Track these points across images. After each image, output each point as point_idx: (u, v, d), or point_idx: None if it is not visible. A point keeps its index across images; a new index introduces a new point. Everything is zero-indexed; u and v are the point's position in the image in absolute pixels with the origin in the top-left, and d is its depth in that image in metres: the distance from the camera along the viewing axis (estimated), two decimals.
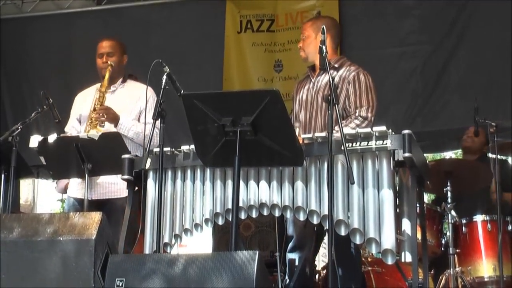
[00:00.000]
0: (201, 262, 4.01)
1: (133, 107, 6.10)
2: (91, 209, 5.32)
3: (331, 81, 4.48)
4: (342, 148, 4.28)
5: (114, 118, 5.92)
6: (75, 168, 5.51)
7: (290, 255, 5.67)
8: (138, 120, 6.08)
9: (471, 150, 7.25)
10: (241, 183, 4.56)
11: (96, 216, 4.46)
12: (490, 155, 6.59)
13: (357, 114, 5.40)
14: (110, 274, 4.13)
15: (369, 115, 5.45)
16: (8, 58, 9.18)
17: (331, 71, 5.54)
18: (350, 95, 5.51)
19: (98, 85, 6.23)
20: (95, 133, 5.61)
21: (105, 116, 5.87)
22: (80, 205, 5.87)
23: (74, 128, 6.11)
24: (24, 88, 9.18)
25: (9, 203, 5.74)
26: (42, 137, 5.67)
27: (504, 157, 7.19)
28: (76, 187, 6.06)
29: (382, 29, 8.39)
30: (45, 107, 5.82)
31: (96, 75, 6.29)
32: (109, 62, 6.08)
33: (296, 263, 5.59)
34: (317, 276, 6.85)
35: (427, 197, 8.03)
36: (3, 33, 9.09)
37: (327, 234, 4.90)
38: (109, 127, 5.92)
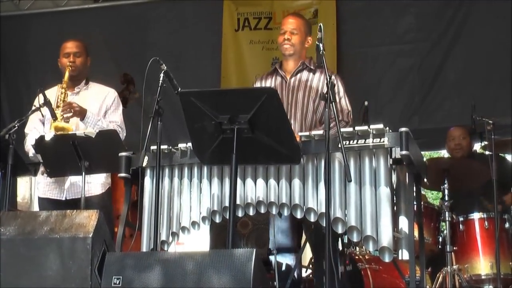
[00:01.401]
0: (199, 259, 4.01)
1: (99, 107, 6.13)
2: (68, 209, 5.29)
3: (328, 80, 4.49)
4: (339, 145, 4.29)
5: (80, 112, 5.92)
6: (72, 165, 5.50)
7: (281, 258, 5.71)
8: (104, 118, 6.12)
9: (463, 156, 7.22)
10: (238, 181, 4.57)
11: (93, 214, 4.46)
12: (487, 152, 6.58)
13: (340, 119, 5.38)
14: (107, 271, 4.13)
15: (350, 119, 5.52)
16: (5, 55, 9.16)
17: (308, 72, 5.61)
18: None
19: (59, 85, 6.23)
20: (92, 131, 5.61)
21: (72, 111, 5.86)
22: (54, 206, 5.82)
23: (36, 129, 6.08)
24: (21, 85, 9.17)
25: (6, 201, 5.72)
26: (39, 135, 5.67)
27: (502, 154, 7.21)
28: (47, 188, 6.04)
29: (379, 27, 8.39)
30: (42, 104, 5.81)
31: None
32: (68, 64, 6.07)
33: (285, 265, 5.64)
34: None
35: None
36: (0, 30, 9.08)
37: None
38: (76, 123, 5.94)
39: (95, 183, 5.94)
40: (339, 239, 6.09)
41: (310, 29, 5.88)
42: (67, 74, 6.01)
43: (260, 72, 8.66)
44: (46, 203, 6.01)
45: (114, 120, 6.10)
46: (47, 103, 5.70)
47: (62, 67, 6.14)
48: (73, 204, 5.68)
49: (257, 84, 5.89)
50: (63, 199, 5.92)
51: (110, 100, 6.17)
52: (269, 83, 5.78)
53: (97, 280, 4.26)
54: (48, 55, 8.96)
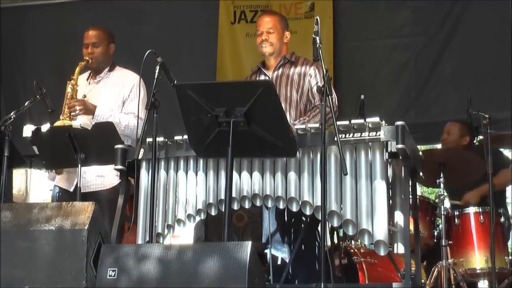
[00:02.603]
0: (194, 251, 4.02)
1: (116, 96, 6.11)
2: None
3: (324, 73, 4.51)
4: (335, 139, 4.29)
5: (88, 110, 5.92)
6: (68, 157, 5.49)
7: (276, 252, 5.71)
8: (122, 108, 6.09)
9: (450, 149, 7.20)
10: (234, 174, 4.57)
11: (89, 206, 4.46)
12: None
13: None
14: (103, 263, 4.14)
15: (336, 106, 5.49)
16: (1, 47, 9.14)
17: (289, 66, 5.65)
18: (312, 87, 5.64)
19: (86, 74, 6.22)
20: (88, 123, 5.60)
21: (78, 109, 5.86)
22: (64, 195, 5.85)
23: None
24: (17, 77, 9.15)
25: (1, 193, 5.72)
26: (35, 127, 5.67)
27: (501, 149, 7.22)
28: (61, 177, 6.06)
29: (376, 20, 8.38)
30: (38, 96, 5.81)
31: None
32: (86, 58, 6.07)
33: (280, 259, 5.65)
34: None
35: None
36: None
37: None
38: (84, 119, 5.92)
39: (107, 177, 5.91)
40: (335, 232, 6.11)
41: (286, 24, 5.96)
42: (77, 70, 5.99)
43: (255, 65, 8.69)
44: (58, 190, 6.06)
45: (131, 110, 6.02)
46: (43, 95, 5.71)
47: (84, 56, 6.14)
48: (83, 197, 5.66)
49: None
50: (71, 190, 5.92)
51: (127, 89, 6.09)
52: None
53: (93, 272, 4.27)
54: (44, 47, 9.01)
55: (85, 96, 6.04)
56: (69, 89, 5.93)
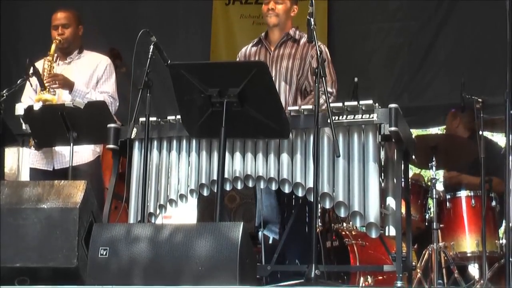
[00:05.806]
0: (186, 231, 4.02)
1: (89, 77, 6.11)
2: (57, 179, 5.27)
3: (318, 54, 4.50)
4: (329, 121, 4.29)
5: (67, 84, 5.92)
6: (60, 136, 5.50)
7: (268, 233, 5.71)
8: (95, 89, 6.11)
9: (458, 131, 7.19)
10: (227, 155, 4.57)
11: (80, 185, 4.45)
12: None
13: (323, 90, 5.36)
14: (94, 242, 4.12)
15: (334, 90, 5.48)
16: None
17: (292, 43, 5.60)
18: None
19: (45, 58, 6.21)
20: (80, 102, 5.59)
21: (57, 83, 5.86)
22: (43, 177, 5.82)
23: (30, 98, 6.03)
24: (10, 56, 9.10)
25: None
26: (28, 105, 5.65)
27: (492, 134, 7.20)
28: (35, 158, 6.05)
29: (371, 4, 8.37)
30: (30, 74, 5.78)
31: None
32: (58, 38, 6.07)
33: (271, 240, 5.66)
34: None
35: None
36: None
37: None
38: (60, 94, 5.94)
39: (83, 152, 5.91)
40: (326, 214, 6.12)
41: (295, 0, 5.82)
42: (53, 47, 5.99)
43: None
44: (36, 174, 6.02)
45: (106, 90, 6.07)
46: (35, 73, 5.69)
47: (53, 38, 6.12)
48: (62, 174, 5.66)
49: (242, 54, 5.87)
50: (51, 169, 5.91)
51: (101, 70, 6.13)
52: (253, 53, 5.76)
53: (84, 251, 4.27)
54: (37, 26, 8.92)
55: None
56: (46, 65, 5.92)
